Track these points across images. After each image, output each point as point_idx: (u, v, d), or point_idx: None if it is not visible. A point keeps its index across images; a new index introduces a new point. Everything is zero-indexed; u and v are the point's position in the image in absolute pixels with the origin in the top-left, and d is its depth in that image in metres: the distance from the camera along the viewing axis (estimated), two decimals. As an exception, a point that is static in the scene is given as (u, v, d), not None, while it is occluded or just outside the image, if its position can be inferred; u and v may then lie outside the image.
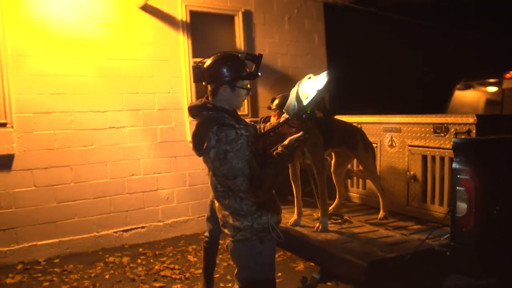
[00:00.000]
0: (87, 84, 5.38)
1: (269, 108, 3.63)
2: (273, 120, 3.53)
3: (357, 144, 3.27)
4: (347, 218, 3.20)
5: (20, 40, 5.06)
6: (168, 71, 6.00)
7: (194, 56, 6.18)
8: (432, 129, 3.10)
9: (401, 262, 2.36)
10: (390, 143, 3.46)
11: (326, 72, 2.53)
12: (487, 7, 8.96)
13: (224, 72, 2.36)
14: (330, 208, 3.35)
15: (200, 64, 2.50)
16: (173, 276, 4.50)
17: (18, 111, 5.02)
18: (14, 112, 4.99)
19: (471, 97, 6.10)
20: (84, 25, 5.43)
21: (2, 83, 4.95)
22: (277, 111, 3.49)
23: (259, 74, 2.46)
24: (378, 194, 3.29)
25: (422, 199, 3.20)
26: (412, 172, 3.25)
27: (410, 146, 3.28)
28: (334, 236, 2.78)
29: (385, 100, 6.87)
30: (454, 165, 2.43)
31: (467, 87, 6.13)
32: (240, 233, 2.36)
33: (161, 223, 5.89)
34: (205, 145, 2.25)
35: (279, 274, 4.42)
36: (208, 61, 2.44)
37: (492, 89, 5.86)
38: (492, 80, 5.85)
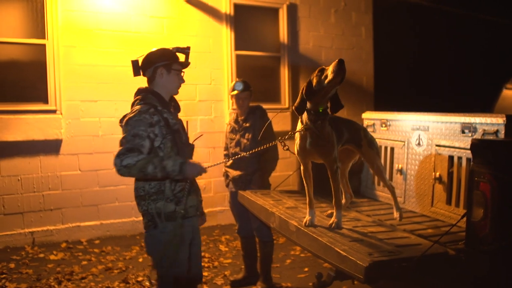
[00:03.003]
0: (131, 74, 5.59)
1: None
2: None
3: (361, 141, 3.17)
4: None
5: (71, 31, 5.37)
6: (210, 63, 6.11)
7: (237, 48, 6.26)
8: (459, 129, 2.95)
9: (408, 264, 2.28)
10: (417, 141, 3.34)
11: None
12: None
13: (160, 56, 2.60)
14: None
15: (137, 59, 2.71)
16: (202, 264, 4.61)
17: (67, 98, 5.35)
18: (64, 100, 5.33)
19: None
20: (131, 17, 5.65)
21: (54, 72, 5.30)
22: None
23: (189, 62, 2.67)
24: (390, 194, 3.18)
25: (447, 201, 3.06)
26: (438, 173, 3.12)
27: (437, 145, 3.14)
28: (345, 234, 2.74)
29: (429, 96, 6.62)
30: (472, 167, 2.32)
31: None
32: (144, 219, 2.51)
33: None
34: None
35: (306, 269, 4.42)
36: (143, 56, 2.67)
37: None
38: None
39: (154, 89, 2.60)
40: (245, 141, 3.93)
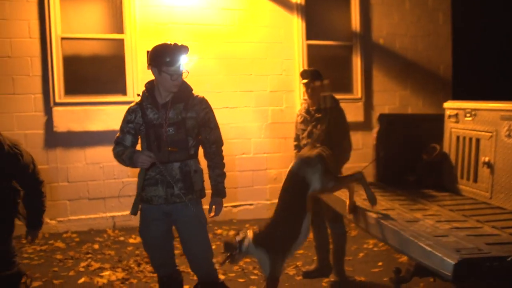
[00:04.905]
0: (205, 66, 5.73)
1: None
2: None
3: None
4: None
5: (147, 26, 5.59)
6: (281, 53, 6.09)
7: (308, 38, 6.19)
8: (556, 119, 2.72)
9: (501, 264, 2.15)
10: (507, 133, 3.12)
11: None
12: None
13: (151, 57, 2.75)
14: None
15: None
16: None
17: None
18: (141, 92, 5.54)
19: None
20: (203, 10, 5.77)
21: (132, 65, 5.56)
22: None
23: (178, 64, 2.71)
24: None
25: (541, 197, 2.84)
26: (530, 167, 2.90)
27: (530, 137, 2.92)
28: (429, 228, 2.62)
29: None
30: None
31: None
32: None
33: (268, 202, 6.08)
34: None
35: (380, 263, 4.32)
36: None
37: None
38: None
39: (156, 83, 2.80)
40: (317, 131, 3.88)
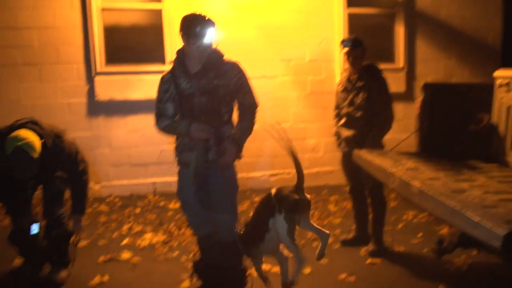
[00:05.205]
0: (243, 35, 5.69)
1: None
2: None
3: None
4: None
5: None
6: (321, 22, 5.97)
7: (349, 5, 6.03)
8: None
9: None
10: None
11: None
12: None
13: (181, 26, 2.77)
14: None
15: None
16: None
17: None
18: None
19: None
20: (240, -22, 5.69)
21: (170, 34, 5.58)
22: None
23: (205, 36, 2.70)
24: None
25: None
26: None
27: None
28: (477, 199, 2.55)
29: None
30: None
31: None
32: None
33: (306, 171, 5.85)
34: None
35: (419, 234, 4.27)
36: None
37: None
38: None
39: (186, 52, 2.81)
40: (359, 100, 3.81)
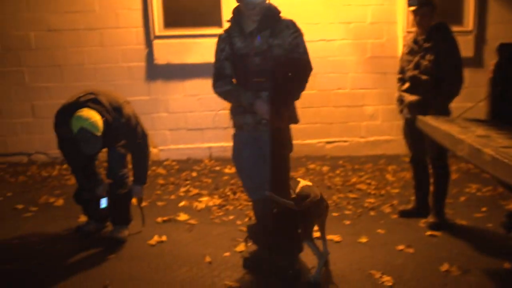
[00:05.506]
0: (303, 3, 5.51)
1: None
2: None
3: None
4: None
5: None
6: (384, -20, 5.63)
7: (416, -38, 5.61)
8: None
9: None
10: None
11: None
12: None
13: None
14: None
15: None
16: (368, 191, 4.56)
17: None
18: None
19: None
20: None
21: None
22: None
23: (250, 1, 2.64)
24: None
25: None
26: None
27: None
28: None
29: None
30: None
31: None
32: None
33: (363, 140, 5.91)
34: None
35: (484, 209, 4.05)
36: None
37: None
38: None
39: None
40: (425, 62, 3.57)
